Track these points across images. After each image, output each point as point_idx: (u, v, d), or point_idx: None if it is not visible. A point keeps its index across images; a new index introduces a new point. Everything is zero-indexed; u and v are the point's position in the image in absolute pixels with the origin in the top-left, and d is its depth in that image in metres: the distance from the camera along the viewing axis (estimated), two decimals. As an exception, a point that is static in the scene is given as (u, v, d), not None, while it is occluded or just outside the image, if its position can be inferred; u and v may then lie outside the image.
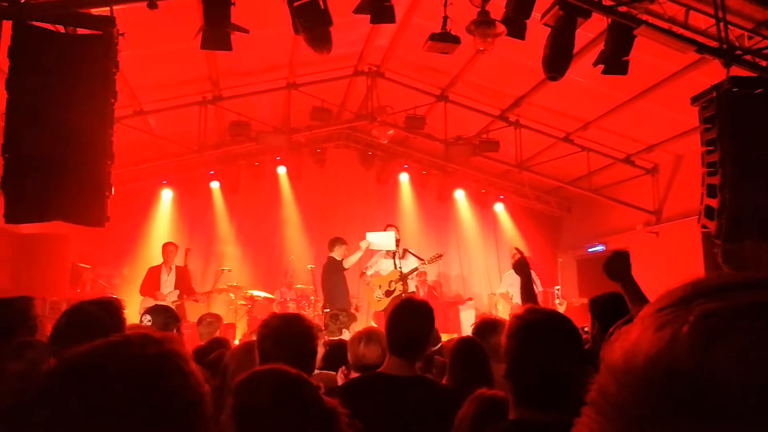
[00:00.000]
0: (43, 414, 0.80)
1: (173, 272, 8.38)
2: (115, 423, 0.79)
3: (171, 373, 0.85)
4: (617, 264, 2.59)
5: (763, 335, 0.42)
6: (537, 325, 1.81)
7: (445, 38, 5.83)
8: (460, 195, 12.32)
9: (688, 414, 0.42)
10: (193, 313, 8.12)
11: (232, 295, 9.29)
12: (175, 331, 3.65)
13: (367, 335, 3.17)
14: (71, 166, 4.73)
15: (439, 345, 4.15)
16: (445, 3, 5.75)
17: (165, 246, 8.54)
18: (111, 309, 2.24)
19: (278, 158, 11.11)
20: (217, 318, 5.98)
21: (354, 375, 3.10)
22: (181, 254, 8.55)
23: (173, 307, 8.03)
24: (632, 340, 0.47)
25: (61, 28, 4.86)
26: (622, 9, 5.81)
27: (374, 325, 9.19)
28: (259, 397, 1.46)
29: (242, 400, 1.48)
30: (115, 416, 0.80)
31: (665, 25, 5.92)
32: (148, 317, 3.61)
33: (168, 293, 8.21)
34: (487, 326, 3.60)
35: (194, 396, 0.87)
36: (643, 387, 0.45)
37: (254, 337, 4.52)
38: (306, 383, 1.53)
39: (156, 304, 4.74)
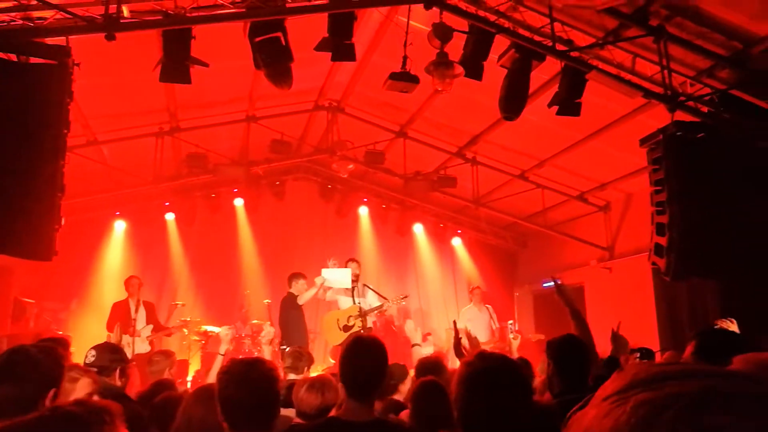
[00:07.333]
0: None
1: (141, 307, 8.15)
2: None
3: None
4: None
5: (683, 422, 0.52)
6: (485, 372, 1.84)
7: (404, 77, 5.93)
8: (419, 229, 12.40)
9: None
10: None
11: (185, 330, 9.03)
12: (118, 371, 3.51)
13: (310, 383, 3.14)
14: (18, 198, 4.57)
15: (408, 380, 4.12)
16: (405, 43, 5.86)
17: (128, 280, 8.28)
18: (54, 355, 2.08)
19: (236, 190, 10.99)
20: (169, 355, 5.72)
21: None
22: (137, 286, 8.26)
23: (147, 342, 7.82)
24: (584, 426, 0.59)
25: (14, 57, 4.75)
26: (575, 54, 6.06)
27: (331, 361, 9.09)
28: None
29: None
30: None
31: (614, 71, 6.18)
32: (93, 353, 3.46)
33: (142, 328, 8.00)
34: (427, 367, 3.66)
35: None
36: None
37: (211, 380, 4.38)
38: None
39: (105, 342, 4.52)
